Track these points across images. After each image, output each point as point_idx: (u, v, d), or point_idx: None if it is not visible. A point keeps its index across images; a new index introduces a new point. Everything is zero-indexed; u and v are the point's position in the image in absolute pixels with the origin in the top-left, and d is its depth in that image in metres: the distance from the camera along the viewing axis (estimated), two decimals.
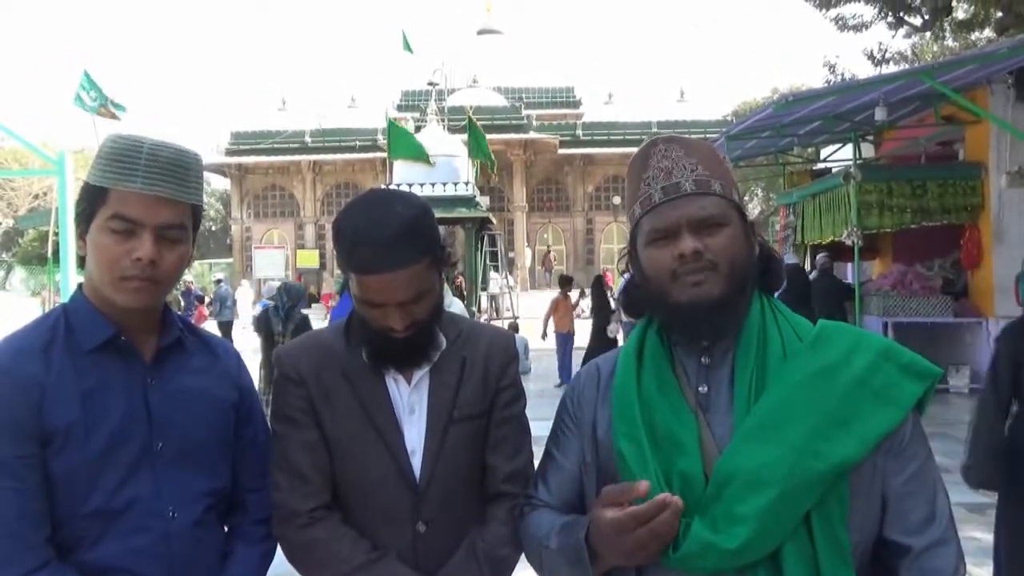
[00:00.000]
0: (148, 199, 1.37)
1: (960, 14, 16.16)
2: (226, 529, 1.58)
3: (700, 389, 1.28)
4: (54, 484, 1.33)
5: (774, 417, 1.19)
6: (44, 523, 1.32)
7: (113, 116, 14.88)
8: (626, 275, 1.42)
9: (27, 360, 1.35)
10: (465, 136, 20.28)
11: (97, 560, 1.35)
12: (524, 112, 34.06)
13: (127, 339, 1.43)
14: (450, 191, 19.95)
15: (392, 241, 1.42)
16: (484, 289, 22.05)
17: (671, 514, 1.14)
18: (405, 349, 1.53)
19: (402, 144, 19.02)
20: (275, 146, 34.65)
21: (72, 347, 1.39)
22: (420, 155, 19.16)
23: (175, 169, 1.40)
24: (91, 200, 1.38)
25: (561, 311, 12.14)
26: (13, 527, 1.29)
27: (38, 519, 1.31)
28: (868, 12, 16.11)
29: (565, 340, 11.94)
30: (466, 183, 20.37)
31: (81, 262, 1.45)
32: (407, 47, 21.54)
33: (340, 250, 1.49)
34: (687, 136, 1.37)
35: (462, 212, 19.96)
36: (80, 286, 1.48)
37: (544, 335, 12.53)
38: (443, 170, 20.06)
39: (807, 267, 12.61)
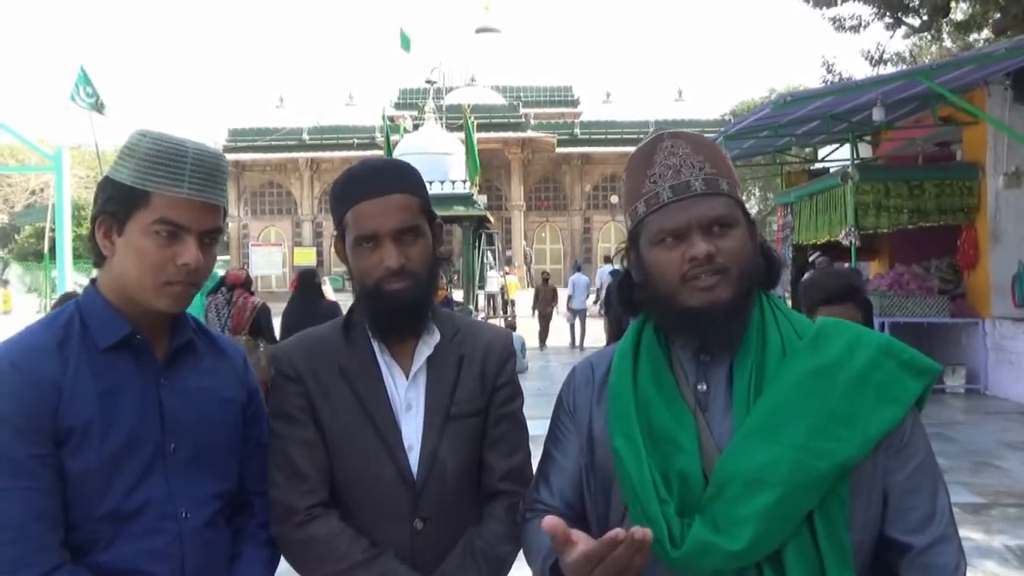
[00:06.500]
0: (195, 204, 1.37)
1: (958, 15, 16.18)
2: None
3: (699, 387, 1.27)
4: (69, 485, 1.30)
5: (774, 416, 1.17)
6: (59, 524, 1.29)
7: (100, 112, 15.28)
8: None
9: (43, 358, 1.32)
10: (463, 135, 20.26)
11: (112, 562, 1.32)
12: (522, 111, 34.05)
13: (142, 337, 1.41)
14: (447, 189, 19.93)
15: (383, 171, 1.56)
16: (482, 288, 22.03)
17: (625, 549, 1.05)
18: (403, 305, 1.52)
19: (388, 146, 19.14)
20: (273, 143, 34.61)
21: (87, 345, 1.36)
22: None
23: (216, 174, 1.41)
24: (128, 201, 1.35)
25: None
26: (30, 528, 1.26)
27: (54, 520, 1.28)
28: (866, 12, 16.09)
29: None
30: (463, 181, 20.34)
31: (99, 260, 1.42)
32: (405, 45, 21.48)
33: (335, 196, 1.58)
34: (691, 132, 1.35)
35: (459, 210, 19.93)
36: (93, 282, 1.45)
37: None
38: (440, 168, 20.03)
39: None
